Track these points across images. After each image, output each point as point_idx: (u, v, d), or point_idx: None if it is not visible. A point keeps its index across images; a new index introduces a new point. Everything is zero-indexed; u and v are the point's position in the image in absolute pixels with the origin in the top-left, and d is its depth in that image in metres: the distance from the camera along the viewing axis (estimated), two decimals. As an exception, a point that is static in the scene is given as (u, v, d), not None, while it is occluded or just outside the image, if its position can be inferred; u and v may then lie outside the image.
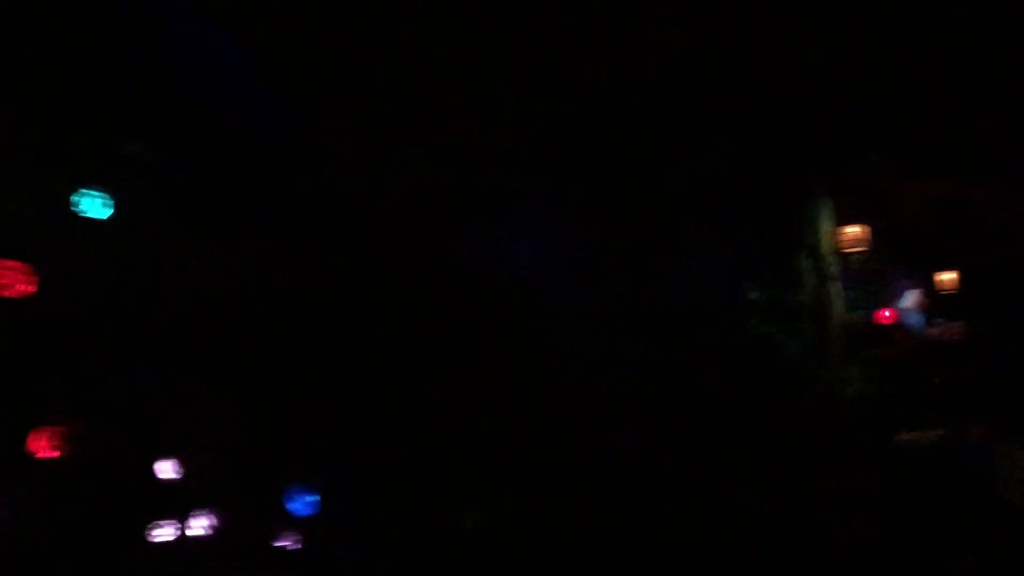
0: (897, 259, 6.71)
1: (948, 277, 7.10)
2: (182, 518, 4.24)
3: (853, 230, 6.33)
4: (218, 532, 4.29)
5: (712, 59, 5.44)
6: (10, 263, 3.41)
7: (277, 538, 4.45)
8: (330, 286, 4.29)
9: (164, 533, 4.19)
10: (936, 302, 6.93)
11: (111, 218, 3.57)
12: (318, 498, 4.37)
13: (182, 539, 4.25)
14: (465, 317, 4.67)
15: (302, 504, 4.42)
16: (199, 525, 4.29)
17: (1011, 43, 5.14)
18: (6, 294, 3.41)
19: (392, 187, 4.51)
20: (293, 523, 4.42)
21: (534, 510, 4.17)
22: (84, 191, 3.62)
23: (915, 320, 6.57)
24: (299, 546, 4.41)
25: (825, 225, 6.25)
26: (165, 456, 4.12)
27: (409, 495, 4.27)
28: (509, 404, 4.65)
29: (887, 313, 6.49)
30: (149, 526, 4.14)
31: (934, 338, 6.61)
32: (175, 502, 4.23)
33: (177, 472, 4.17)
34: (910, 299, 6.65)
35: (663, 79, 5.52)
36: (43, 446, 3.62)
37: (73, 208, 3.60)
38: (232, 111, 3.92)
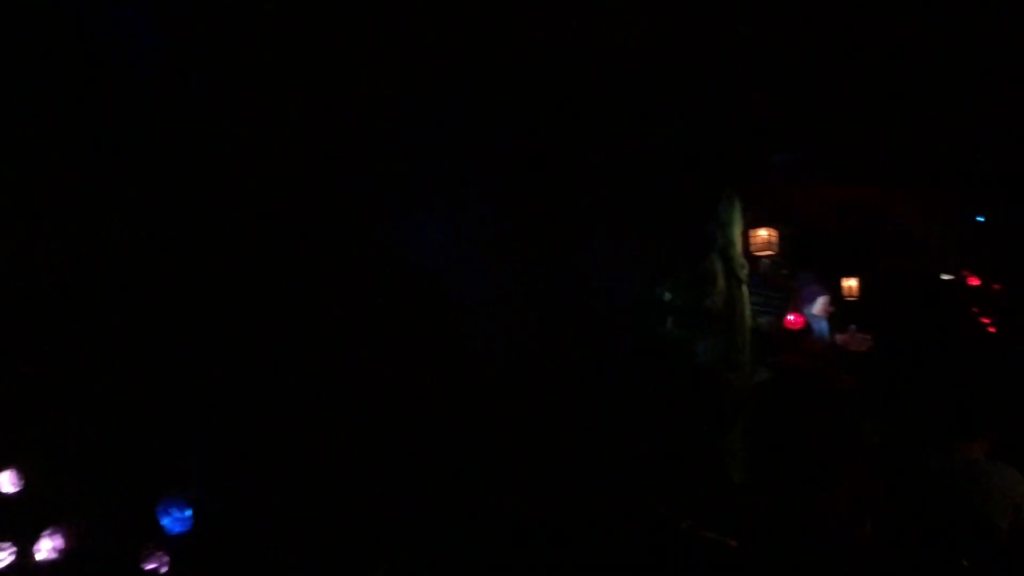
0: (805, 264, 6.75)
1: (852, 283, 7.21)
2: (27, 539, 3.61)
3: (763, 233, 6.31)
4: (71, 555, 3.68)
5: (626, 56, 5.32)
6: None
7: (144, 560, 3.86)
8: (203, 263, 3.73)
9: (3, 558, 3.50)
10: (842, 308, 7.01)
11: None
12: (191, 512, 3.79)
13: (26, 565, 3.58)
14: (359, 305, 4.25)
15: (173, 520, 3.84)
16: (48, 548, 3.66)
17: (918, 50, 5.22)
18: None
19: (287, 152, 4.03)
20: (163, 542, 3.85)
21: (422, 508, 3.79)
22: None
23: (822, 326, 6.60)
24: (168, 569, 3.83)
25: (736, 228, 6.21)
26: (3, 465, 3.49)
27: (296, 506, 3.79)
28: (406, 399, 4.25)
29: (794, 318, 6.49)
30: (-14, 550, 3.51)
31: (841, 345, 6.65)
32: (18, 520, 3.54)
33: (18, 484, 3.55)
34: (817, 305, 6.69)
35: (575, 74, 5.36)
36: None
37: None
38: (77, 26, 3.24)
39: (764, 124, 6.06)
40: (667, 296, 5.50)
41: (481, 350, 4.92)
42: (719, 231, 6.08)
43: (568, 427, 4.76)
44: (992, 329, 11.21)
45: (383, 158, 4.53)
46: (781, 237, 6.36)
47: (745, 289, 6.21)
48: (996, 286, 11.92)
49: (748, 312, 6.25)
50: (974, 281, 10.96)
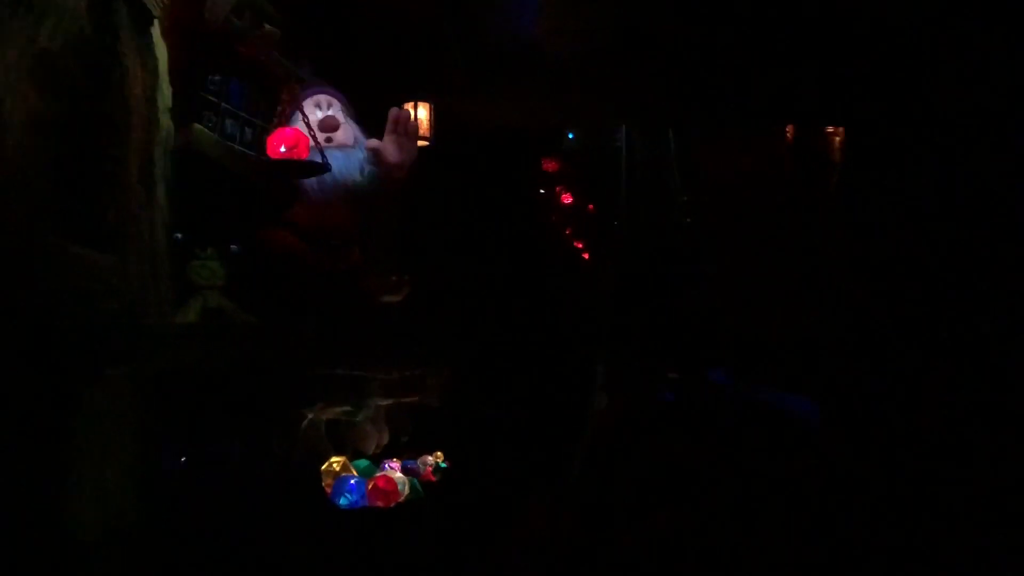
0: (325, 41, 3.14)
1: (423, 115, 3.83)
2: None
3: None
4: None
5: None
6: None
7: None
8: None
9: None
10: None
11: None
12: None
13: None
14: None
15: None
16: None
17: None
18: None
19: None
20: None
21: None
22: None
23: (347, 166, 3.07)
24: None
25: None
26: None
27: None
28: None
29: (295, 141, 2.85)
30: None
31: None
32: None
33: None
34: (319, 112, 3.12)
35: None
36: None
37: None
38: None
39: None
40: None
41: None
42: None
43: None
44: (586, 255, 9.76)
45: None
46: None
47: (162, 58, 2.44)
48: (591, 207, 10.55)
49: (166, 105, 2.48)
50: (567, 198, 9.57)
